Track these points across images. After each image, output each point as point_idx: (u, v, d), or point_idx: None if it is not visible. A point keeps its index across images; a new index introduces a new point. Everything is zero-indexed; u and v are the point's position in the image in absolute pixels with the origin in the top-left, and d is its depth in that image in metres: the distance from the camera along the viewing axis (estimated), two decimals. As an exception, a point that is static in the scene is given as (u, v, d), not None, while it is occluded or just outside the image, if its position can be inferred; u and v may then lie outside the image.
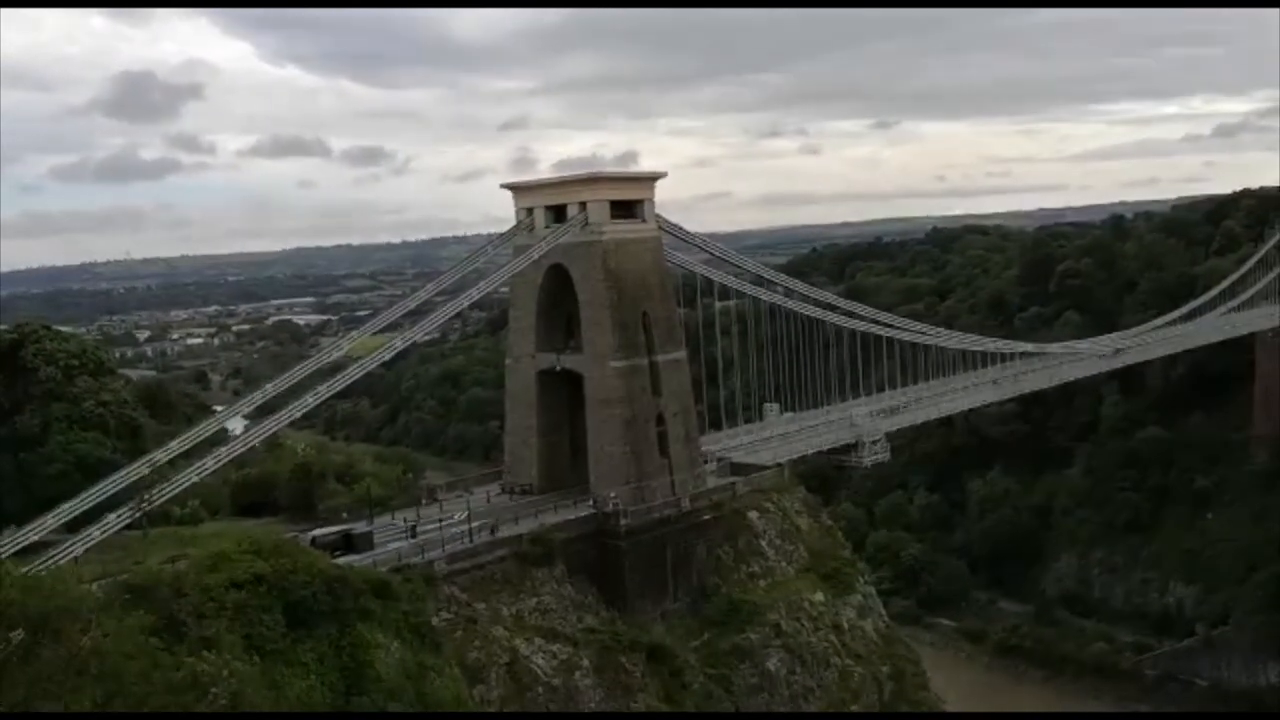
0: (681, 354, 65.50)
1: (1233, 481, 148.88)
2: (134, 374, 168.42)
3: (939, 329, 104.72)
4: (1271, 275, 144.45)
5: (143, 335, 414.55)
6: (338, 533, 53.73)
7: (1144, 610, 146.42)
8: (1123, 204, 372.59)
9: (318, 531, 53.92)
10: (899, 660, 65.70)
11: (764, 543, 65.08)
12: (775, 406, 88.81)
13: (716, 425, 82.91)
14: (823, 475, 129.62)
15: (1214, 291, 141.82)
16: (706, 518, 63.17)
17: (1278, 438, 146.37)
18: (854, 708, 60.54)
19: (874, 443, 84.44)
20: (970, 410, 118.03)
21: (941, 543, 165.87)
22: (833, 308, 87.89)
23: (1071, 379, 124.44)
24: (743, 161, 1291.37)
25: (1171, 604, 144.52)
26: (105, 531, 46.82)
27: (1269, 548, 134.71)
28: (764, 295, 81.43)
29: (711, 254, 75.98)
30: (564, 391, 65.51)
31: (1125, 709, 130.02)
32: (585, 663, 51.60)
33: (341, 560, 48.22)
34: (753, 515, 65.57)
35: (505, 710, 47.57)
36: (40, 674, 21.92)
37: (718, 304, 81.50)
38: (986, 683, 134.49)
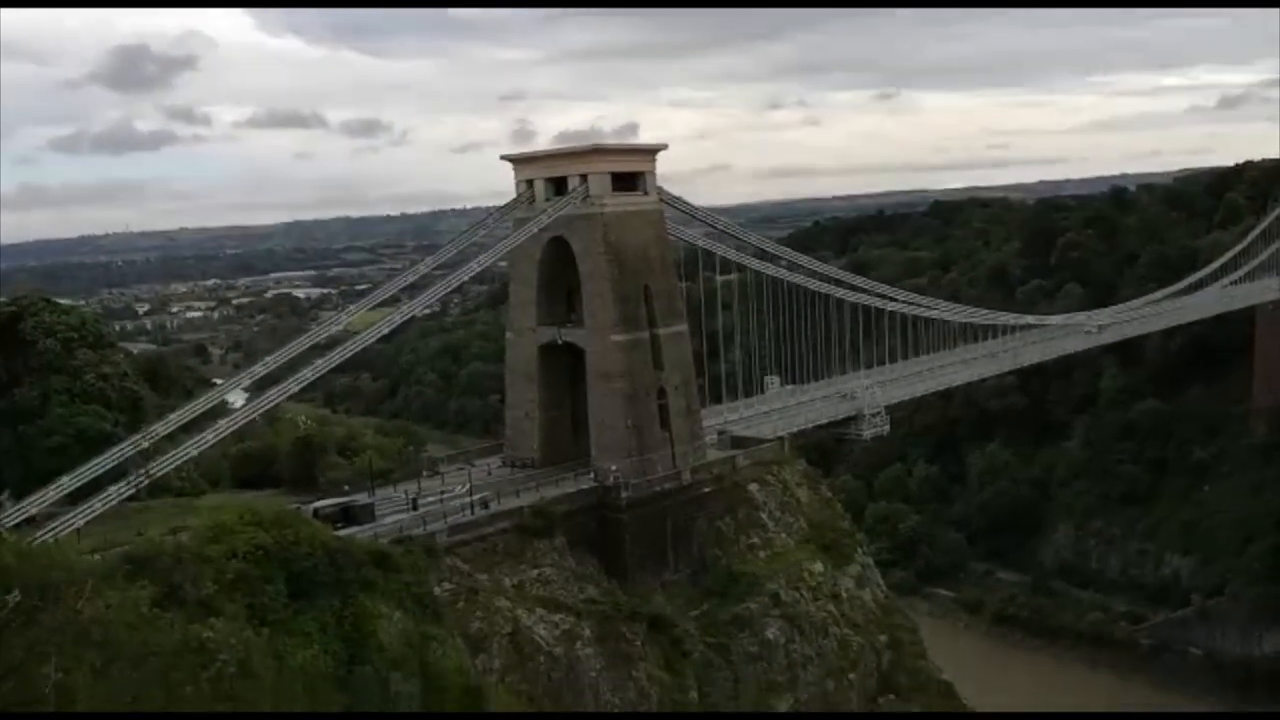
0: (683, 327, 65.44)
1: (1231, 454, 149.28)
2: (134, 347, 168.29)
3: (940, 302, 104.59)
4: (1273, 248, 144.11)
5: (142, 308, 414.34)
6: (339, 505, 53.83)
7: (1140, 581, 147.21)
8: (1125, 176, 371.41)
9: (319, 503, 54.05)
10: (897, 629, 66.08)
11: (764, 514, 65.29)
12: (776, 379, 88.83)
13: (717, 398, 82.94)
14: (823, 448, 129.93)
15: (1215, 264, 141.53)
16: (707, 490, 63.34)
17: (1276, 410, 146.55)
18: (851, 676, 60.97)
19: (874, 415, 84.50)
20: (969, 383, 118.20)
21: (940, 514, 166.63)
22: (835, 281, 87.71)
23: (1070, 352, 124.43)
24: (744, 134, 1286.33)
25: (1168, 575, 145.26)
26: (106, 503, 46.89)
27: (1266, 519, 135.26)
28: (766, 268, 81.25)
29: (713, 227, 75.75)
30: (565, 365, 65.50)
31: (1120, 678, 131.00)
32: (586, 632, 51.87)
33: (343, 532, 48.38)
34: (753, 487, 65.74)
35: (507, 679, 47.86)
36: (38, 638, 21.96)
37: (719, 277, 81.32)
38: (983, 651, 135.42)
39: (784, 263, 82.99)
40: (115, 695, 24.65)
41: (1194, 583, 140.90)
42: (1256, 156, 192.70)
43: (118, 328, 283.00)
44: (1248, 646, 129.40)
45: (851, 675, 61.14)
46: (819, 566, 64.28)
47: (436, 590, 47.71)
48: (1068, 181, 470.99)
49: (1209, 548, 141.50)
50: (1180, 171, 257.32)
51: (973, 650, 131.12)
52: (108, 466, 48.53)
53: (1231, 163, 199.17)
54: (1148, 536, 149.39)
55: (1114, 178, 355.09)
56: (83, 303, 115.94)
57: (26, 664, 21.44)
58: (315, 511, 51.74)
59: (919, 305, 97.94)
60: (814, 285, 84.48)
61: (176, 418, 51.98)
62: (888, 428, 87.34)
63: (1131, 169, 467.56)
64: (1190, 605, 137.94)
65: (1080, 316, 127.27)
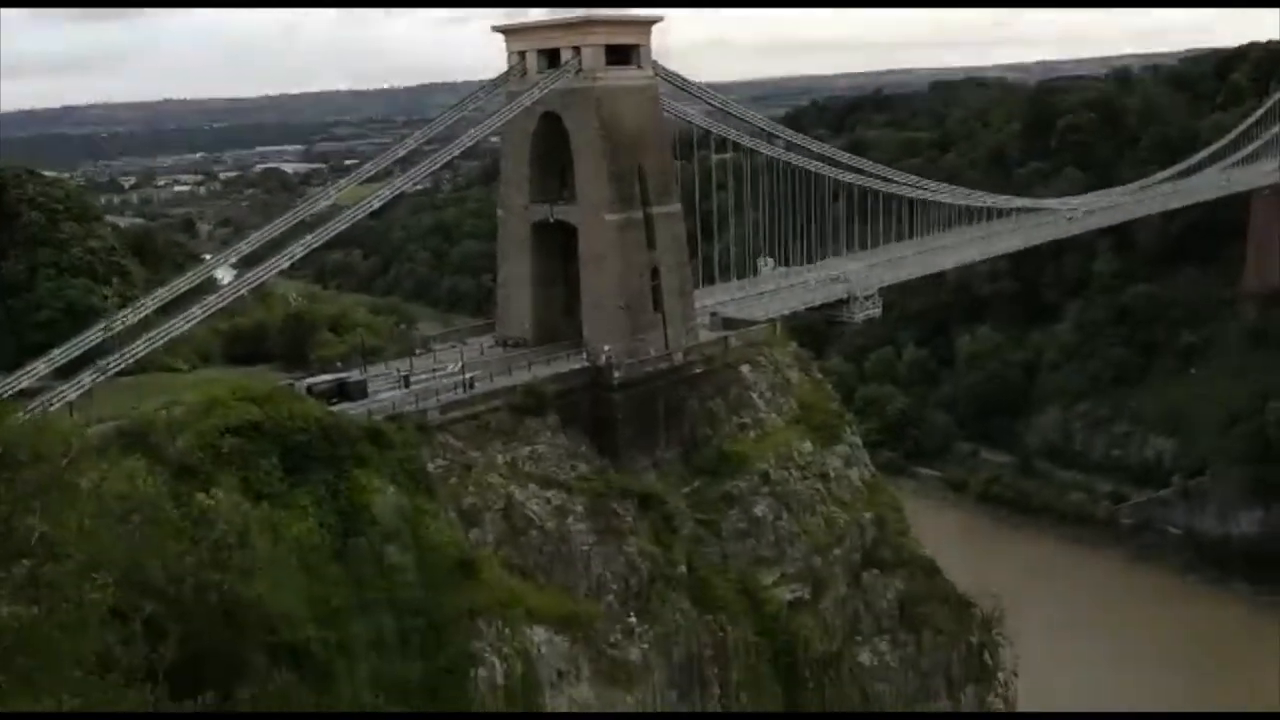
0: (677, 207, 64.68)
1: (1219, 338, 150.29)
2: (121, 221, 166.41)
3: (935, 184, 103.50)
4: (1273, 131, 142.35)
5: (128, 182, 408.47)
6: (332, 381, 53.95)
7: (1124, 462, 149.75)
8: (1127, 56, 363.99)
9: (312, 379, 54.17)
10: (882, 507, 67.16)
11: (755, 395, 65.65)
12: (769, 261, 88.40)
13: (710, 280, 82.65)
14: (814, 330, 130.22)
15: (1214, 147, 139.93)
16: (699, 371, 63.52)
17: (1267, 295, 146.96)
18: (836, 551, 62.15)
19: (866, 298, 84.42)
20: (961, 266, 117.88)
21: (928, 397, 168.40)
22: (831, 161, 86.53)
23: (1065, 235, 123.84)
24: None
25: (1151, 456, 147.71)
26: (97, 378, 46.89)
27: (1249, 402, 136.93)
28: (762, 148, 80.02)
29: (710, 104, 74.30)
30: (557, 244, 64.94)
31: (1100, 555, 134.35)
32: (579, 508, 52.61)
33: (335, 408, 48.59)
34: (744, 369, 65.95)
35: (499, 552, 48.73)
36: (23, 492, 22.06)
37: (714, 156, 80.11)
38: (967, 529, 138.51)
39: (780, 142, 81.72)
40: (107, 555, 24.93)
41: (1176, 464, 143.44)
42: (1261, 38, 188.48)
43: (103, 201, 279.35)
44: (1225, 525, 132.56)
45: (836, 551, 62.37)
46: (808, 446, 64.96)
47: (429, 466, 48.22)
48: (1069, 61, 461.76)
49: (1193, 430, 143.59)
50: (1186, 52, 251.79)
51: (957, 528, 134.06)
52: (97, 340, 48.38)
53: (1236, 44, 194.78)
54: (1133, 419, 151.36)
55: (1117, 58, 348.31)
56: (67, 175, 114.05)
57: (10, 517, 21.54)
58: (309, 388, 51.89)
59: (914, 187, 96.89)
60: (810, 165, 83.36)
61: (166, 292, 51.61)
62: (879, 310, 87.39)
63: (1137, 49, 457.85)
64: (1171, 486, 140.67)
65: (1075, 200, 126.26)
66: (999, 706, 64.60)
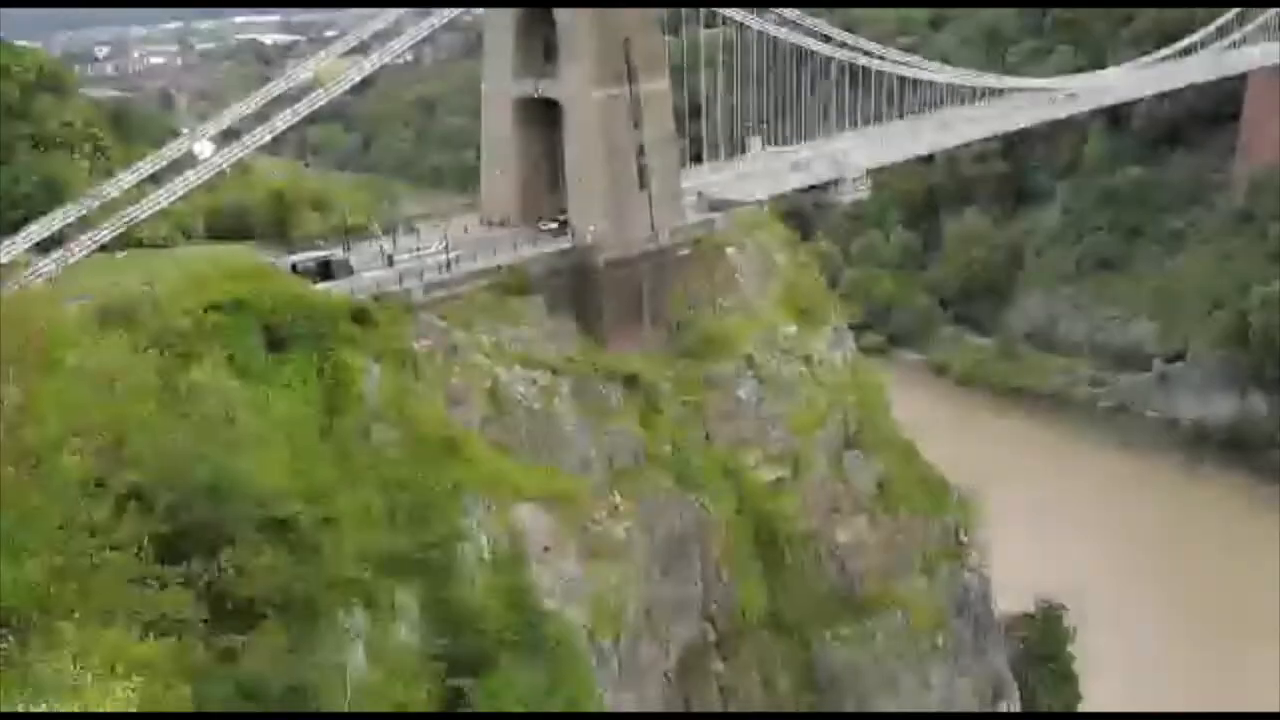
0: (664, 84, 63.40)
1: (1206, 222, 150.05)
2: (96, 94, 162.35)
3: (927, 62, 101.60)
4: (1270, 14, 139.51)
5: (102, 52, 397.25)
6: (316, 259, 53.55)
7: (1106, 346, 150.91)
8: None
9: (297, 257, 53.75)
10: (864, 389, 67.98)
11: (740, 278, 65.59)
12: (758, 140, 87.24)
13: (698, 159, 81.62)
14: (801, 213, 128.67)
15: (1210, 28, 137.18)
16: (685, 252, 63.27)
17: (1255, 180, 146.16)
18: (817, 433, 63.07)
19: (855, 180, 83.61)
20: (951, 148, 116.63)
21: (914, 280, 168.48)
22: (823, 37, 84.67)
23: (1057, 117, 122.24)
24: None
25: (1132, 340, 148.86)
26: (76, 253, 46.42)
27: (1232, 287, 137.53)
28: (752, 22, 78.13)
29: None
30: (543, 121, 63.77)
31: (1077, 435, 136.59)
32: (564, 389, 52.99)
33: (320, 286, 48.36)
34: (730, 251, 65.74)
35: (485, 431, 49.20)
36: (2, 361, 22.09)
37: (703, 31, 78.25)
38: (947, 410, 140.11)
39: (771, 16, 79.78)
40: (86, 424, 25.08)
41: (1157, 348, 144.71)
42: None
43: (77, 71, 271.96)
44: (1202, 409, 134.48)
45: (818, 433, 63.26)
46: (792, 329, 65.26)
47: (414, 346, 48.27)
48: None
49: (1175, 314, 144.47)
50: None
51: (938, 410, 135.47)
52: (76, 216, 47.75)
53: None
54: (1116, 303, 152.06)
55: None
56: (39, 44, 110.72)
57: None
58: (293, 266, 51.53)
59: (906, 64, 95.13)
60: (801, 42, 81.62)
61: (146, 166, 50.80)
62: (868, 192, 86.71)
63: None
64: (1151, 370, 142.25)
65: (1074, 81, 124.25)
66: (973, 584, 66.49)
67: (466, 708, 39.46)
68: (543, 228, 61.60)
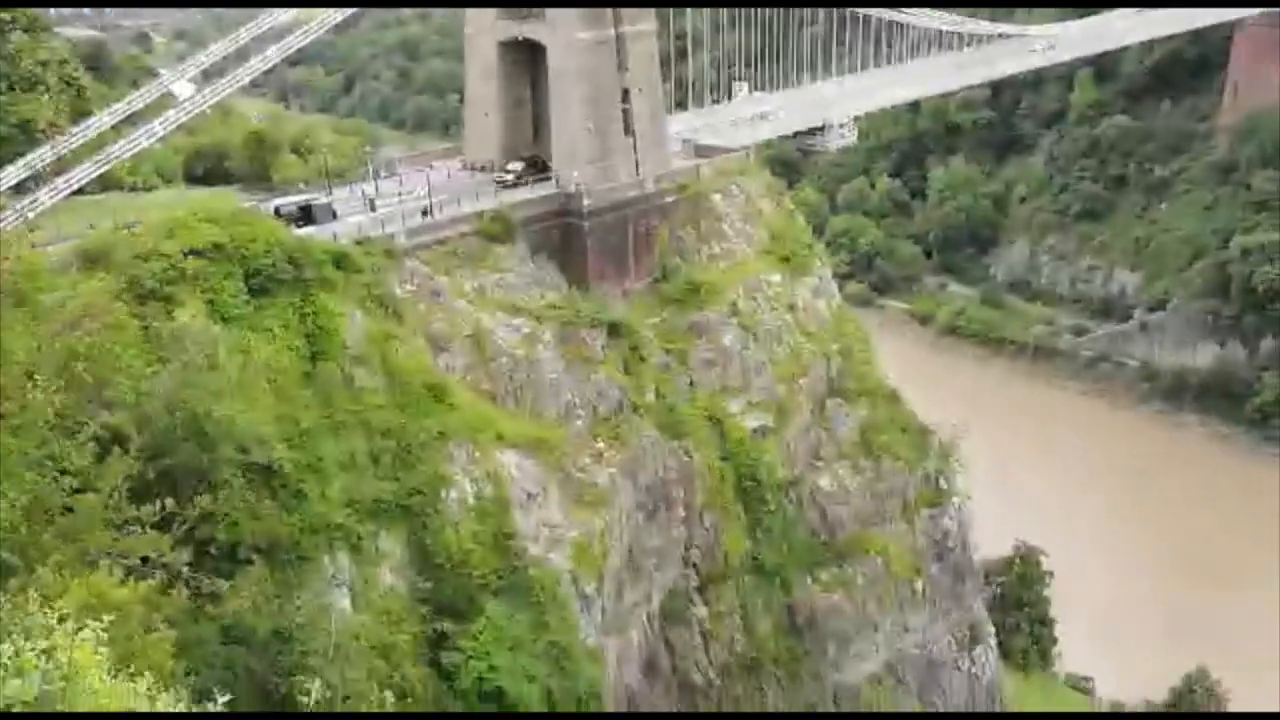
0: (650, 26, 62.56)
1: (1190, 172, 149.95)
2: (72, 33, 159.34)
3: (914, 9, 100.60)
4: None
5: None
6: (298, 204, 53.02)
7: (1088, 296, 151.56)
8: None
9: (279, 201, 53.21)
10: (848, 338, 68.03)
11: (725, 225, 65.27)
12: (744, 86, 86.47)
13: (683, 105, 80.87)
14: (787, 160, 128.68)
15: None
16: (670, 199, 62.86)
17: (1239, 129, 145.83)
18: (801, 381, 63.20)
19: (841, 126, 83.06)
20: (938, 96, 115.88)
21: (899, 229, 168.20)
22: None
23: (1041, 65, 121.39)
24: None
25: (1115, 290, 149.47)
26: (55, 196, 45.80)
27: (1214, 237, 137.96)
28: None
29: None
30: (527, 64, 62.94)
31: (1058, 384, 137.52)
32: (547, 336, 52.84)
33: (301, 231, 47.90)
34: (716, 198, 65.36)
35: (468, 378, 49.15)
36: None
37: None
38: (930, 360, 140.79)
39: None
40: (56, 363, 24.83)
41: (1139, 298, 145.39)
42: None
43: (52, 13, 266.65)
44: (1182, 358, 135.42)
45: (802, 380, 63.42)
46: (777, 277, 65.12)
47: (397, 291, 48.00)
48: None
49: (1156, 264, 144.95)
50: None
51: (921, 359, 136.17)
52: (54, 158, 47.03)
53: None
54: (1099, 253, 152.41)
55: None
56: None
57: None
58: (276, 210, 51.00)
59: (893, 10, 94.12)
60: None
61: (124, 107, 49.98)
62: (854, 139, 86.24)
63: None
64: (1132, 320, 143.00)
65: (1055, 28, 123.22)
66: (952, 530, 67.12)
67: (450, 650, 39.87)
68: (504, 175, 60.72)
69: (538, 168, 60.91)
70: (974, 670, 68.25)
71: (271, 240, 41.92)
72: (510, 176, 60.27)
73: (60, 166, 47.07)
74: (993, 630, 72.15)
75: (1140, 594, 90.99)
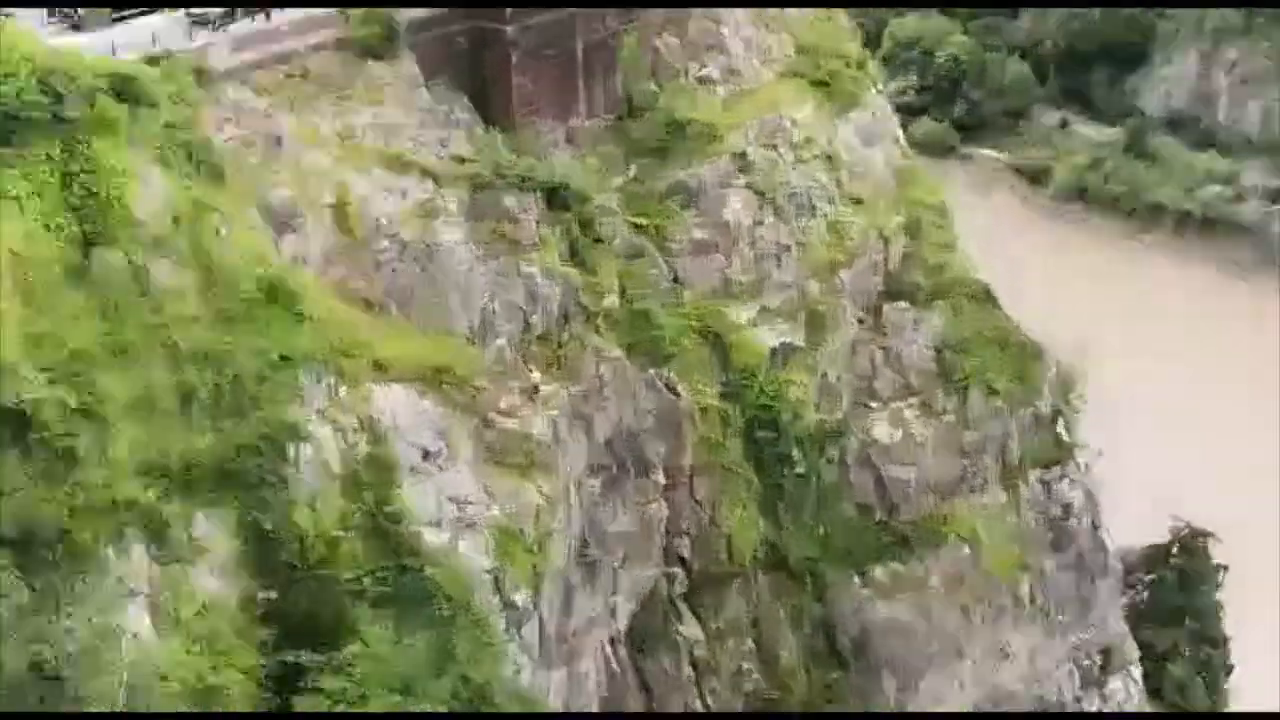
0: None
1: None
2: None
3: None
4: None
5: None
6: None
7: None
8: None
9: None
10: (917, 207, 68.16)
11: (726, 30, 64.98)
12: None
13: None
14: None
15: None
16: (643, -7, 62.56)
17: None
18: (843, 275, 63.38)
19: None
20: None
21: (998, 35, 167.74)
22: None
23: None
24: None
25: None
26: None
27: None
28: None
29: None
30: None
31: (1243, 276, 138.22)
32: (452, 206, 52.57)
33: (63, 41, 47.22)
34: (712, -13, 65.08)
35: (330, 273, 49.05)
36: None
37: None
38: (1044, 238, 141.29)
39: None
40: None
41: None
42: None
43: None
44: None
45: (844, 273, 63.61)
46: (807, 112, 65.01)
47: (215, 138, 47.56)
48: None
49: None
50: None
51: (1031, 237, 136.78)
52: None
53: None
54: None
55: None
56: None
57: None
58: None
59: None
60: None
61: None
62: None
63: None
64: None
65: None
66: (1076, 503, 67.95)
67: (306, 692, 40.24)
68: None
69: None
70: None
71: (14, 57, 41.28)
72: None
73: None
74: (1137, 655, 73.43)
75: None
